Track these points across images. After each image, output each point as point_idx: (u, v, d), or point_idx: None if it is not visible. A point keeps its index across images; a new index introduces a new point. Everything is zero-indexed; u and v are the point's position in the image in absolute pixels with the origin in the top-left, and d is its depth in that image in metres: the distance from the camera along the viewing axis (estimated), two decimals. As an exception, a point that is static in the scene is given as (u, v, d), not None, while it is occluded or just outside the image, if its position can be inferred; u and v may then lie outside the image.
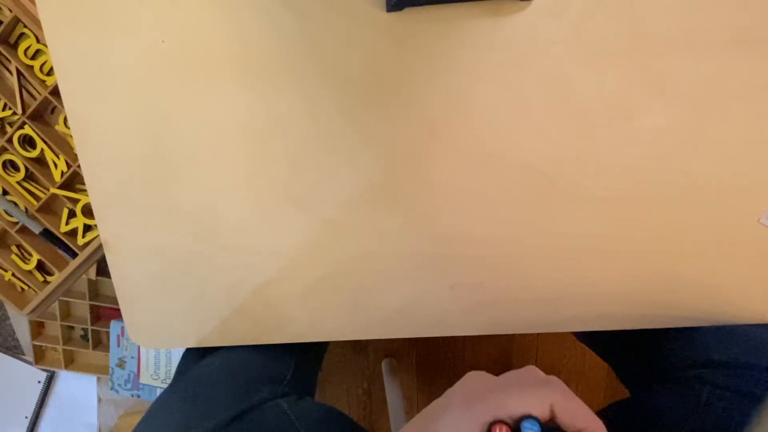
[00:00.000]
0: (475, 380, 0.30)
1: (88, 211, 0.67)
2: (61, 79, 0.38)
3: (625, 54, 0.35)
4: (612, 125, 0.37)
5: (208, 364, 0.46)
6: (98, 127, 0.39)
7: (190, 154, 0.39)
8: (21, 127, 0.63)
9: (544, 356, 0.95)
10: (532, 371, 0.29)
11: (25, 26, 0.60)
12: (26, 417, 1.11)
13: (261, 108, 0.38)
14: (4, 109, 0.64)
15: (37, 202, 0.66)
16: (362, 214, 0.40)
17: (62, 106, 0.52)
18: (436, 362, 0.98)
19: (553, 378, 0.28)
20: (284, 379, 0.48)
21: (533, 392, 0.26)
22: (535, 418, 0.25)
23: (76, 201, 0.67)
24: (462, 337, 0.94)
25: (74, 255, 0.68)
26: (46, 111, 0.65)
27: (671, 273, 0.40)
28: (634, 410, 0.45)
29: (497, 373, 0.30)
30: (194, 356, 0.49)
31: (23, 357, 1.07)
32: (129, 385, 0.94)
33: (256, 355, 0.47)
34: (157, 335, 0.46)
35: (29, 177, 0.67)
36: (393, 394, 0.89)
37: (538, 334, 0.77)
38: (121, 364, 0.94)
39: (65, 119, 0.65)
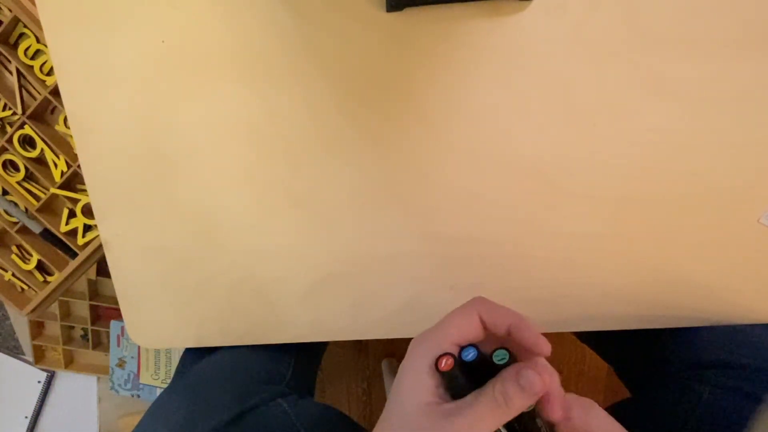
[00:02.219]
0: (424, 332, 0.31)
1: (88, 211, 0.67)
2: (61, 79, 0.38)
3: (625, 54, 0.35)
4: (612, 125, 0.37)
5: (208, 364, 0.46)
6: (98, 127, 0.39)
7: (191, 154, 0.39)
8: (21, 127, 0.63)
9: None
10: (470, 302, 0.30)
11: (25, 26, 0.60)
12: (26, 417, 1.11)
13: (261, 108, 0.38)
14: (4, 109, 0.64)
15: (37, 202, 0.66)
16: (362, 214, 0.40)
17: (62, 106, 0.52)
18: (436, 362, 0.98)
19: (477, 297, 0.30)
20: (284, 379, 0.48)
21: (457, 312, 0.30)
22: (474, 346, 0.27)
23: (76, 201, 0.67)
24: (462, 337, 0.94)
25: (74, 255, 0.68)
26: (46, 111, 0.65)
27: (671, 273, 0.40)
28: (634, 410, 0.45)
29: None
30: (194, 356, 0.49)
31: (23, 357, 1.07)
32: (129, 385, 0.94)
33: (256, 355, 0.47)
34: (157, 335, 0.46)
35: (29, 177, 0.67)
36: (393, 394, 0.89)
37: (538, 334, 0.76)
38: (121, 364, 0.93)
39: (65, 119, 0.65)
